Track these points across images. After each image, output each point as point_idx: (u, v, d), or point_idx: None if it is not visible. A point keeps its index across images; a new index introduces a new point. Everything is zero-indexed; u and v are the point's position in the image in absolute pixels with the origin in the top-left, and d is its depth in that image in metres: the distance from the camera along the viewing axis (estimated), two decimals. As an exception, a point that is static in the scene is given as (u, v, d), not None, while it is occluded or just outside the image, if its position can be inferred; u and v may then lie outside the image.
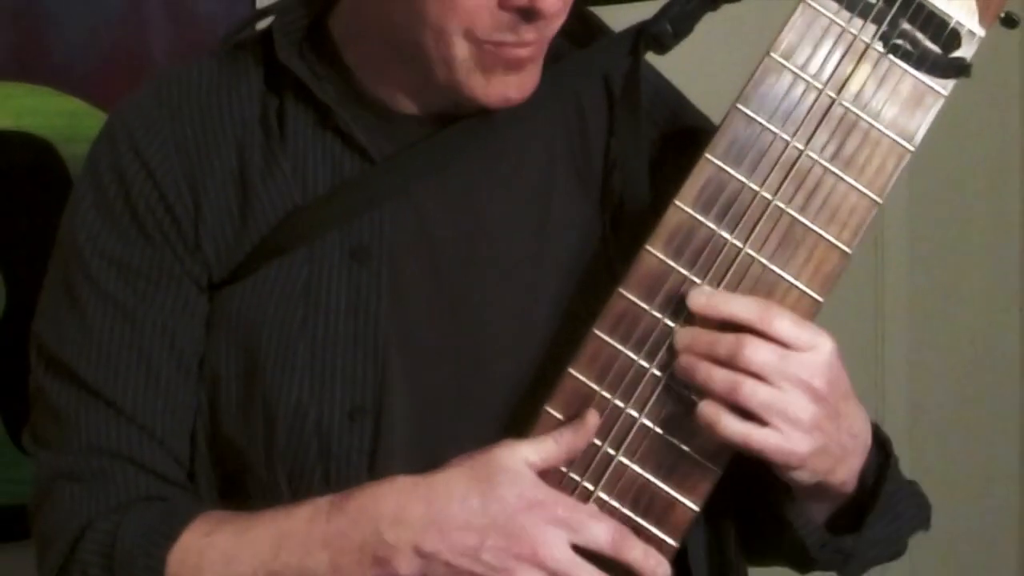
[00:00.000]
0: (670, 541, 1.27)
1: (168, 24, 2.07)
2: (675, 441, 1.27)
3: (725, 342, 1.23)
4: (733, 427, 1.22)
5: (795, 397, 1.22)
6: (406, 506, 1.22)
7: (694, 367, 1.24)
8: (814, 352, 1.23)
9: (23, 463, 1.91)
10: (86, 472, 1.32)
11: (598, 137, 1.38)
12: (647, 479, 1.26)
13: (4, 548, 2.05)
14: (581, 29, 1.40)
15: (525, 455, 1.23)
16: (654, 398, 1.27)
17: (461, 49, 1.26)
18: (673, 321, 1.26)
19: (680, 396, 1.26)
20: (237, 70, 1.37)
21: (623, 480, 1.26)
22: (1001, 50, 2.45)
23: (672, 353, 1.26)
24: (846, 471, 1.28)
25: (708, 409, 1.23)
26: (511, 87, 1.29)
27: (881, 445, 1.35)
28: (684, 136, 1.37)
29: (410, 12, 1.26)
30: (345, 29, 1.35)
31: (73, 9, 2.02)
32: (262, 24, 1.40)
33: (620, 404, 1.26)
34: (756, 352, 1.22)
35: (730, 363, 1.22)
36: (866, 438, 1.30)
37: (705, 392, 1.24)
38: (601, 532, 1.23)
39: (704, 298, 1.24)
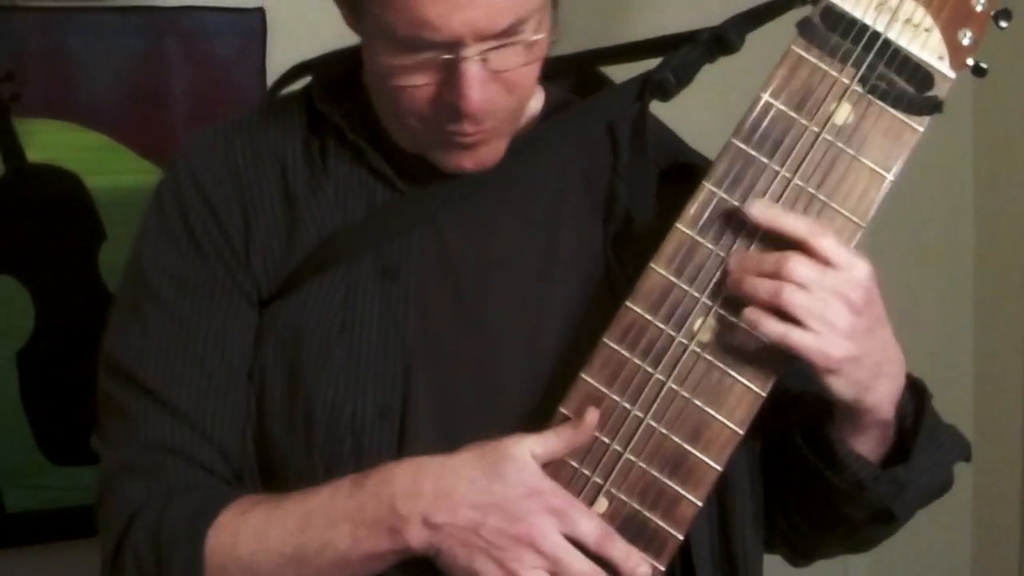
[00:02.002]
0: (675, 533, 1.29)
1: (187, 65, 2.13)
2: (678, 440, 1.29)
3: (771, 258, 1.26)
4: (774, 327, 1.25)
5: (833, 304, 1.24)
6: (419, 481, 1.26)
7: (742, 279, 1.27)
8: (853, 270, 1.25)
9: (52, 472, 2.10)
10: (142, 465, 1.36)
11: (603, 175, 1.42)
12: (653, 475, 1.29)
13: (34, 550, 2.12)
14: (589, 84, 1.47)
15: (531, 447, 1.27)
16: (659, 400, 1.29)
17: (418, 128, 1.35)
18: (675, 332, 1.29)
19: (683, 400, 1.29)
20: (284, 115, 1.44)
21: (630, 476, 1.29)
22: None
23: (675, 359, 1.29)
24: (882, 392, 1.30)
25: (752, 314, 1.26)
26: (466, 160, 1.36)
27: (914, 387, 1.37)
28: (681, 172, 1.40)
29: (380, 96, 1.37)
30: (368, 84, 1.42)
31: (98, 51, 2.08)
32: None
33: (627, 406, 1.29)
34: (799, 265, 1.24)
35: (775, 275, 1.25)
36: (900, 366, 1.32)
37: (751, 300, 1.26)
38: (588, 528, 1.26)
39: (762, 208, 1.27)
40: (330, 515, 1.28)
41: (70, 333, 2.10)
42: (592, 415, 1.28)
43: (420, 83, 1.30)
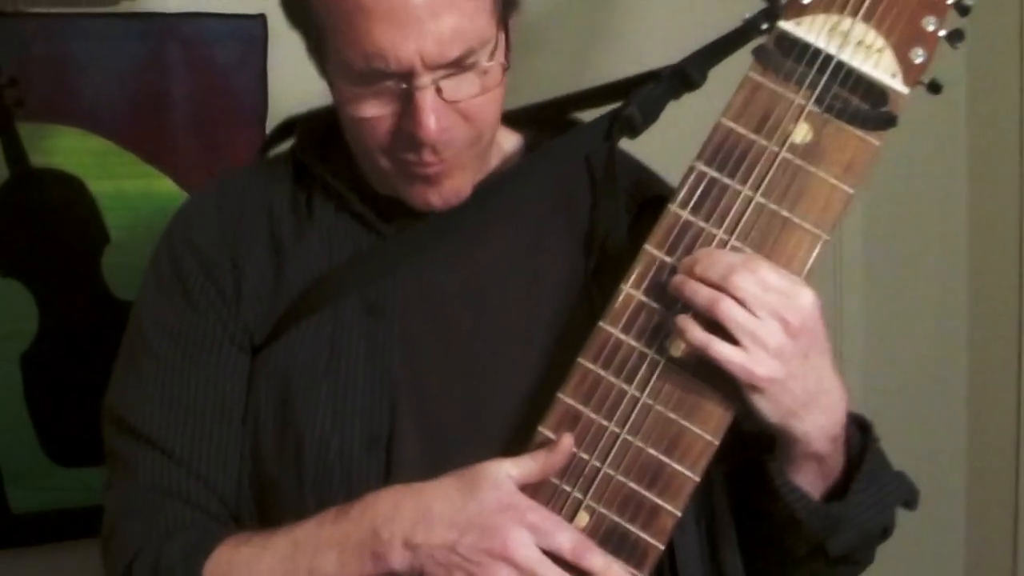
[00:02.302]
0: (656, 544, 1.32)
1: (188, 71, 2.12)
2: (655, 452, 1.31)
3: (720, 267, 1.28)
4: (699, 336, 1.27)
5: (768, 323, 1.26)
6: (399, 505, 1.30)
7: (684, 283, 1.29)
8: (798, 296, 1.27)
9: (55, 473, 2.11)
10: (143, 508, 1.42)
11: (581, 207, 1.47)
12: (632, 488, 1.31)
13: (38, 550, 2.12)
14: (560, 129, 1.51)
15: (507, 469, 1.30)
16: (634, 415, 1.32)
17: (384, 162, 1.39)
18: (648, 348, 1.32)
19: (658, 414, 1.31)
20: (272, 171, 1.52)
21: (610, 490, 1.32)
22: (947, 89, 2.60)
23: (649, 374, 1.31)
24: (811, 424, 1.30)
25: (682, 321, 1.28)
26: (432, 195, 1.40)
27: (864, 429, 1.39)
28: (655, 204, 1.41)
29: (350, 133, 1.41)
30: (345, 133, 1.47)
31: (101, 57, 2.08)
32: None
33: (604, 422, 1.32)
34: (743, 279, 1.26)
35: (718, 286, 1.27)
36: (837, 402, 1.32)
37: (688, 304, 1.28)
38: (565, 539, 1.28)
39: (704, 253, 1.30)
40: (317, 543, 1.32)
41: (74, 336, 2.10)
42: (567, 440, 1.31)
43: (379, 114, 1.35)
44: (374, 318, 1.42)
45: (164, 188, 2.12)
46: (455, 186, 1.41)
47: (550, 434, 1.33)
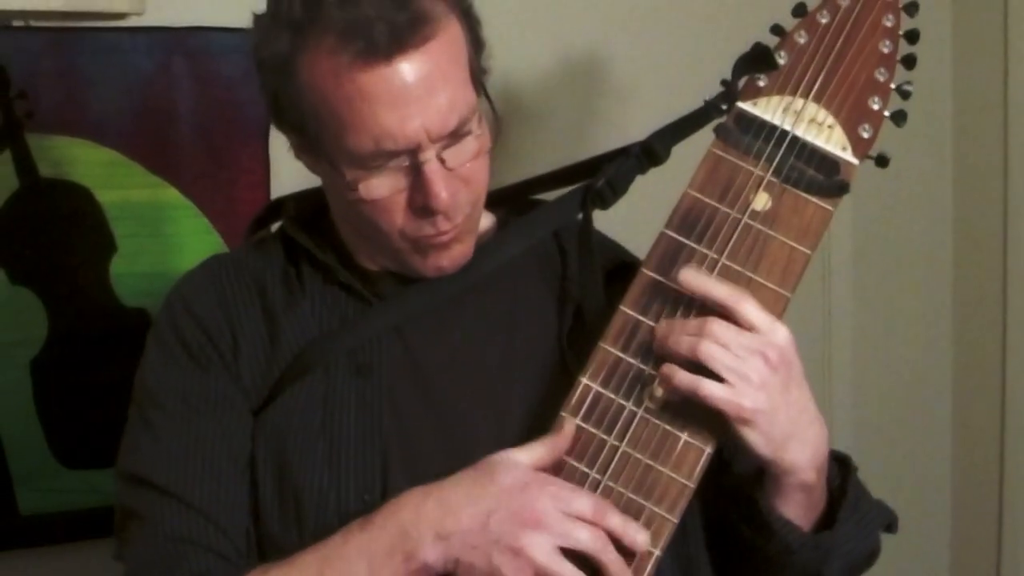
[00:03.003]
0: (656, 553, 1.35)
1: (193, 84, 2.14)
2: (634, 497, 1.36)
3: (694, 321, 1.35)
4: (685, 378, 1.33)
5: (749, 360, 1.32)
6: (421, 504, 1.33)
7: (667, 338, 1.35)
8: (773, 333, 1.34)
9: (64, 475, 2.12)
10: (164, 558, 1.43)
11: (553, 277, 1.54)
12: (630, 497, 1.36)
13: (47, 551, 2.13)
14: (525, 210, 1.58)
15: (518, 456, 1.35)
16: (614, 463, 1.37)
17: (399, 242, 1.46)
18: (625, 400, 1.38)
19: (637, 460, 1.36)
20: (263, 250, 1.58)
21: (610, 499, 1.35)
22: (935, 105, 2.54)
23: (627, 424, 1.37)
24: (798, 453, 1.36)
25: (667, 368, 1.34)
26: (443, 260, 1.47)
27: (842, 462, 1.46)
28: (624, 271, 1.48)
29: (358, 217, 1.46)
30: (334, 215, 1.55)
31: (109, 70, 2.10)
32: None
33: (586, 470, 1.37)
34: (719, 326, 1.33)
35: (697, 335, 1.33)
36: (819, 434, 1.38)
37: (673, 357, 1.34)
38: (585, 503, 1.32)
39: (690, 275, 1.36)
40: (345, 555, 1.35)
41: (82, 342, 2.12)
42: (571, 423, 1.37)
43: (389, 193, 1.41)
44: (363, 378, 1.47)
45: (170, 198, 2.14)
46: (463, 250, 1.49)
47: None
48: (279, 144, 1.62)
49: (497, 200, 1.57)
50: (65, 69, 2.09)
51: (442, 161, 1.40)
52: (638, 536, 1.33)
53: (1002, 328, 2.60)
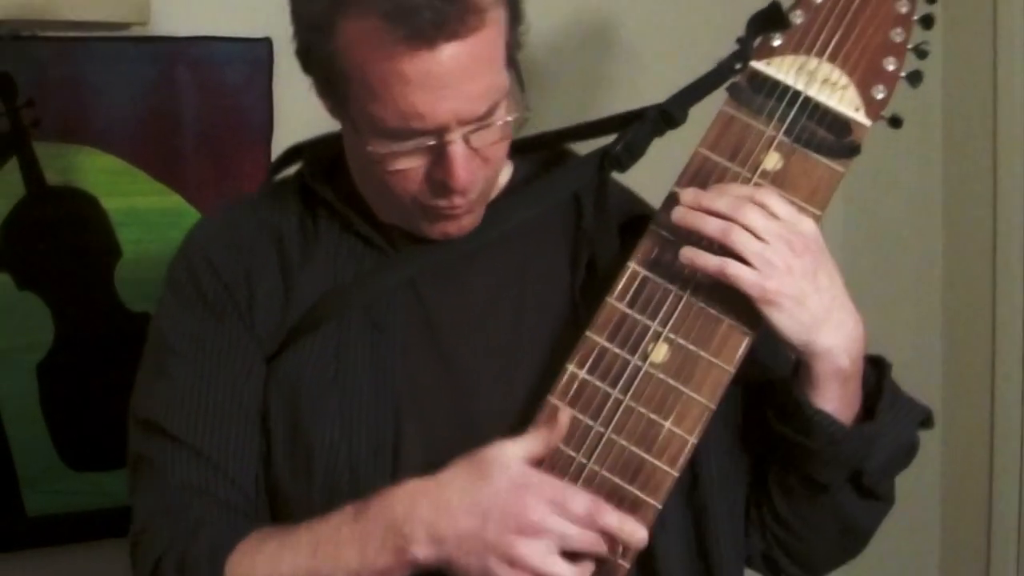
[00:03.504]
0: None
1: (196, 92, 2.16)
2: (636, 449, 1.37)
3: (727, 200, 1.36)
4: (710, 260, 1.35)
5: (775, 245, 1.34)
6: (415, 500, 1.33)
7: (692, 215, 1.37)
8: (799, 223, 1.36)
9: (70, 477, 2.13)
10: (174, 506, 1.45)
11: (568, 233, 1.53)
12: (615, 482, 1.36)
13: (53, 551, 2.14)
14: (556, 158, 1.58)
15: (513, 451, 1.34)
16: (617, 415, 1.38)
17: (408, 206, 1.44)
18: (630, 355, 1.38)
19: (639, 414, 1.37)
20: (279, 196, 1.56)
21: (593, 486, 1.36)
22: (925, 107, 2.57)
23: (631, 378, 1.37)
24: (833, 339, 1.37)
25: (689, 251, 1.36)
26: (450, 227, 1.47)
27: (875, 362, 1.46)
28: (638, 224, 1.48)
29: (372, 175, 1.44)
30: (351, 166, 1.53)
31: (114, 79, 2.11)
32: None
33: (590, 422, 1.38)
34: (752, 211, 1.35)
35: (728, 217, 1.35)
36: (853, 321, 1.38)
37: (697, 234, 1.36)
38: (580, 504, 1.31)
39: (718, 191, 1.38)
40: (338, 540, 1.36)
41: (88, 346, 2.13)
42: (565, 415, 1.36)
43: (410, 166, 1.39)
44: (378, 332, 1.46)
45: (174, 204, 2.15)
46: (472, 219, 1.48)
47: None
48: (281, 151, 1.65)
49: (519, 148, 1.54)
50: (71, 78, 2.10)
51: (466, 141, 1.38)
52: (635, 535, 1.33)
53: (991, 331, 2.62)
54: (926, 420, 1.50)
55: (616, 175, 1.55)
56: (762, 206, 1.36)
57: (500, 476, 1.32)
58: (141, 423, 1.51)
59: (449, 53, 1.33)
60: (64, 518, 2.16)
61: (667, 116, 1.50)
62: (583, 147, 1.59)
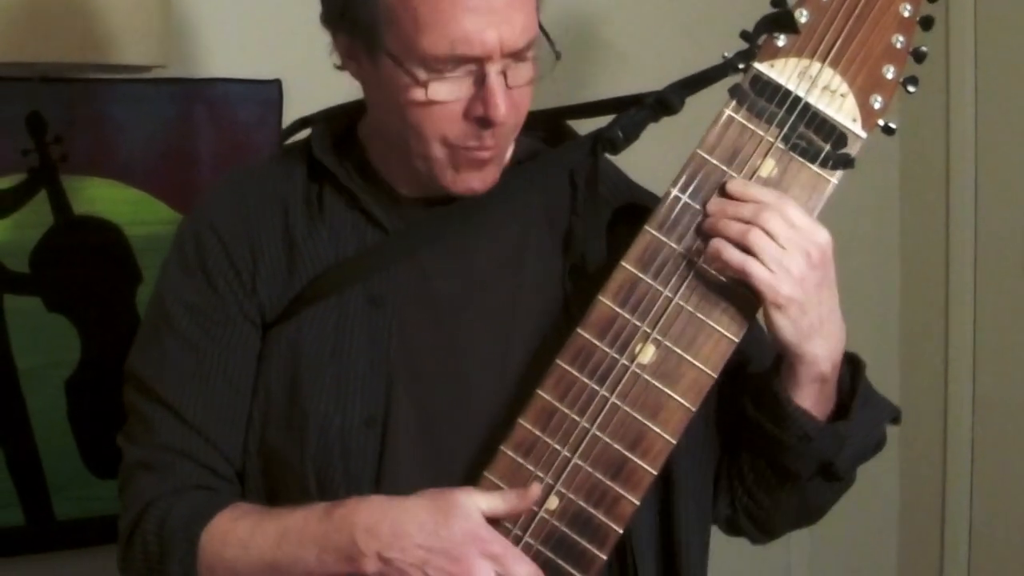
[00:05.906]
0: (616, 528, 1.39)
1: (212, 129, 2.24)
2: (619, 448, 1.39)
3: (749, 208, 1.38)
4: (735, 255, 1.37)
5: (792, 253, 1.36)
6: (377, 521, 1.37)
7: (716, 221, 1.38)
8: (816, 233, 1.37)
9: (95, 484, 2.21)
10: (157, 463, 1.50)
11: (562, 215, 1.53)
12: (597, 478, 1.39)
13: (80, 553, 2.22)
14: (555, 135, 1.60)
15: (477, 502, 1.37)
16: (603, 413, 1.39)
17: (437, 151, 1.44)
18: (618, 355, 1.38)
19: (624, 413, 1.38)
20: (288, 165, 1.56)
21: (578, 478, 1.39)
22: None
23: (618, 379, 1.38)
24: (821, 347, 1.39)
25: (717, 243, 1.38)
26: (475, 180, 1.47)
27: (851, 360, 1.47)
28: (633, 211, 1.50)
29: (402, 121, 1.44)
30: (367, 132, 1.54)
31: (136, 117, 2.19)
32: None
33: (576, 418, 1.39)
34: (772, 217, 1.37)
35: (750, 222, 1.37)
36: (840, 332, 1.41)
37: (706, 236, 1.38)
38: (522, 571, 1.35)
39: (739, 183, 1.39)
40: (302, 537, 1.41)
41: (112, 364, 1.98)
42: (535, 489, 1.39)
43: (449, 99, 1.41)
44: (375, 308, 1.48)
45: None
46: (494, 172, 1.48)
47: (529, 426, 1.40)
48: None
49: (528, 124, 1.53)
50: (96, 116, 2.18)
51: (504, 76, 1.39)
52: None
53: (944, 334, 2.70)
54: (895, 418, 1.54)
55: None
56: (782, 214, 1.37)
57: (458, 522, 1.36)
58: (136, 378, 1.54)
59: None
60: (90, 522, 2.22)
61: (664, 102, 1.49)
62: (582, 130, 1.58)
